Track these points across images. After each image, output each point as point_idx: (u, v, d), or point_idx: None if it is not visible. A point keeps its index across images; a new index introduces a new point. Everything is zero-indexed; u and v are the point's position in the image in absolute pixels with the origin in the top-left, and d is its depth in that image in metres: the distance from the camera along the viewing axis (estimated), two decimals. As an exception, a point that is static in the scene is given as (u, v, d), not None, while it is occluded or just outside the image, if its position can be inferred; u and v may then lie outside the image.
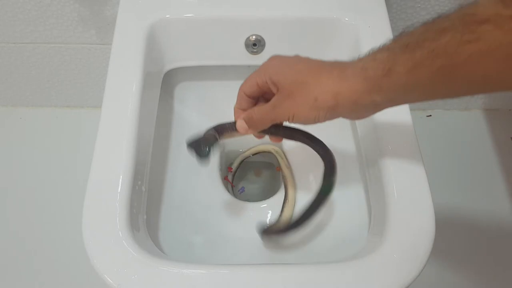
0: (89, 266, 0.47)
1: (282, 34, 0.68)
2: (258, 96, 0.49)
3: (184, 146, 0.73)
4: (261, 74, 0.47)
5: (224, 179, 0.77)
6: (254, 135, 0.53)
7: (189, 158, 0.72)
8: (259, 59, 0.69)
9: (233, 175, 0.81)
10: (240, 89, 0.50)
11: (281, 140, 0.52)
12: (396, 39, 0.38)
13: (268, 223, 0.61)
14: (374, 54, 0.40)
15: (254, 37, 0.67)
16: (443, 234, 0.56)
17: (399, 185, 0.51)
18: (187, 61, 0.71)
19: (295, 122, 0.46)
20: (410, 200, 0.51)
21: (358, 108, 0.42)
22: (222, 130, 0.53)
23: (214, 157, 0.75)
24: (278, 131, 0.51)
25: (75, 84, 1.03)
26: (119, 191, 0.51)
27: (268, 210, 0.69)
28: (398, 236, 0.49)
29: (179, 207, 0.67)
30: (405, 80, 0.37)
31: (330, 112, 0.43)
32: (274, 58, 0.47)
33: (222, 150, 0.78)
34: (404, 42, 0.37)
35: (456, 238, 0.94)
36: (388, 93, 0.39)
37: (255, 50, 0.69)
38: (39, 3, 0.83)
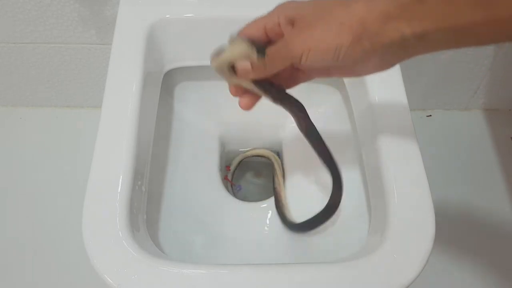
0: (89, 266, 0.47)
1: (282, 34, 0.67)
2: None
3: (184, 146, 0.73)
4: (272, 15, 0.41)
5: (224, 178, 0.77)
6: (239, 96, 0.45)
7: (189, 158, 0.73)
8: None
9: (232, 174, 0.81)
10: (239, 34, 0.43)
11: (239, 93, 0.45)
12: None
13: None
14: None
15: (254, 37, 0.67)
16: (443, 234, 0.56)
17: (399, 185, 0.51)
18: (187, 61, 0.71)
19: (309, 62, 0.39)
20: (410, 200, 0.51)
21: (384, 42, 0.36)
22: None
23: (214, 157, 0.75)
24: (273, 91, 0.44)
25: (75, 84, 1.03)
26: (119, 191, 0.51)
27: (268, 210, 0.69)
28: (398, 236, 0.49)
29: (179, 207, 0.67)
30: (441, 9, 0.34)
31: (355, 43, 0.37)
32: (288, 1, 0.42)
33: (222, 150, 0.78)
34: None
35: (456, 238, 0.94)
36: (419, 24, 0.35)
37: (255, 50, 0.69)
38: (39, 3, 0.83)
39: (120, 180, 0.52)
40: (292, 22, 0.40)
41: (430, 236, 0.48)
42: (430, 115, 1.12)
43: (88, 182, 0.52)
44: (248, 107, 0.45)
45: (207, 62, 0.71)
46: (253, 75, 0.41)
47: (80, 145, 1.04)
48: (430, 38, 0.36)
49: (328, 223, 0.65)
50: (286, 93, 0.45)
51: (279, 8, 0.42)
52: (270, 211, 0.68)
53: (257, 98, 0.46)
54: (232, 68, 0.42)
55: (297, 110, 0.46)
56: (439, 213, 0.50)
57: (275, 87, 0.44)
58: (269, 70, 0.41)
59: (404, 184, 0.51)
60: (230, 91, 0.45)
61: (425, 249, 0.48)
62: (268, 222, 0.68)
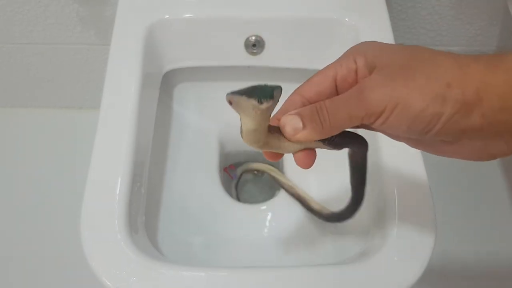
0: (87, 269, 0.46)
1: (282, 34, 0.67)
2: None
3: (183, 147, 0.73)
4: (347, 59, 0.31)
5: (224, 170, 0.77)
6: (295, 157, 0.33)
7: (188, 159, 0.73)
8: (259, 60, 0.69)
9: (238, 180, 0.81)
10: (294, 92, 0.33)
11: (279, 158, 0.34)
12: None
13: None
14: None
15: (253, 37, 0.67)
16: (444, 235, 0.56)
17: (399, 186, 0.51)
18: (186, 62, 0.70)
19: (387, 126, 0.29)
20: (411, 201, 0.50)
21: (506, 117, 0.26)
22: None
23: (213, 158, 0.74)
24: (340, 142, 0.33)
25: (74, 85, 1.03)
26: (117, 192, 0.51)
27: (268, 212, 0.68)
28: (399, 238, 0.48)
29: (178, 209, 0.66)
30: None
31: (461, 115, 0.27)
32: (368, 41, 0.32)
33: (221, 151, 0.78)
34: None
35: (457, 238, 0.94)
36: None
37: (254, 51, 0.69)
38: (38, 4, 0.83)
39: (119, 181, 0.51)
40: (372, 69, 0.30)
41: (431, 238, 0.48)
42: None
43: (86, 184, 0.51)
44: (310, 164, 0.33)
45: (206, 62, 0.71)
46: (307, 136, 0.30)
47: (79, 146, 1.03)
48: None
49: (328, 225, 0.65)
50: (350, 135, 0.35)
51: (355, 50, 0.31)
52: (270, 213, 0.68)
53: (313, 152, 0.33)
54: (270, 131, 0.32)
55: (359, 147, 0.38)
56: (440, 214, 0.50)
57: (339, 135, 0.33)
58: (330, 129, 0.30)
59: (405, 186, 0.51)
60: (267, 156, 0.34)
61: (426, 251, 0.48)
62: (267, 224, 0.67)
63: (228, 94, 0.29)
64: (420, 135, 0.28)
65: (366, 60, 0.30)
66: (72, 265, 0.87)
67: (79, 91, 1.05)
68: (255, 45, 0.68)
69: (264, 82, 0.29)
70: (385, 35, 0.63)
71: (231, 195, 0.72)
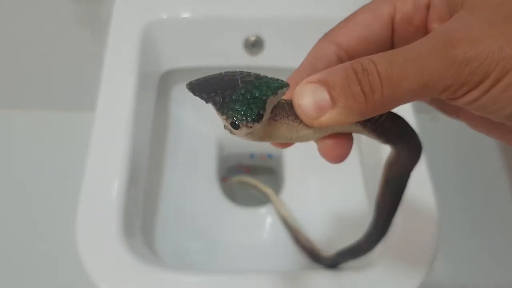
0: (83, 274, 0.46)
1: (281, 35, 0.67)
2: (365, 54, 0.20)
3: (182, 150, 0.72)
4: None
5: (223, 180, 0.76)
6: (317, 141, 0.22)
7: (186, 162, 0.72)
8: (258, 60, 0.69)
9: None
10: (325, 38, 0.24)
11: (289, 145, 0.24)
12: None
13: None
14: None
15: (253, 38, 0.67)
16: (445, 237, 0.55)
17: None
18: (184, 62, 0.70)
19: (485, 103, 0.18)
20: (413, 205, 0.50)
21: None
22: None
23: (212, 161, 0.73)
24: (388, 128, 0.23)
25: (69, 86, 1.02)
26: (114, 196, 0.50)
27: (267, 215, 0.68)
28: (400, 244, 0.48)
29: (176, 213, 0.66)
30: None
31: None
32: None
33: (220, 154, 0.77)
34: None
35: (459, 239, 0.94)
36: None
37: (254, 51, 0.68)
38: (33, 3, 0.82)
39: (116, 185, 0.51)
40: (456, 8, 0.20)
41: (433, 243, 0.48)
42: (434, 119, 1.11)
43: (82, 187, 0.51)
44: (342, 157, 0.22)
45: (204, 63, 0.71)
46: (338, 119, 0.19)
47: (74, 149, 1.02)
48: None
49: (328, 228, 0.64)
50: (403, 124, 0.25)
51: None
52: (269, 217, 0.68)
53: (348, 138, 0.22)
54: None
55: (411, 149, 0.27)
56: (442, 215, 0.50)
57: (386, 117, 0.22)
58: (381, 105, 0.19)
59: (407, 188, 0.50)
60: (273, 143, 0.23)
61: (428, 256, 0.47)
62: (267, 227, 0.67)
63: (188, 86, 0.20)
64: None
65: None
66: (68, 270, 0.86)
67: (73, 93, 1.04)
68: (254, 45, 0.67)
69: (260, 73, 0.20)
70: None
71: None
